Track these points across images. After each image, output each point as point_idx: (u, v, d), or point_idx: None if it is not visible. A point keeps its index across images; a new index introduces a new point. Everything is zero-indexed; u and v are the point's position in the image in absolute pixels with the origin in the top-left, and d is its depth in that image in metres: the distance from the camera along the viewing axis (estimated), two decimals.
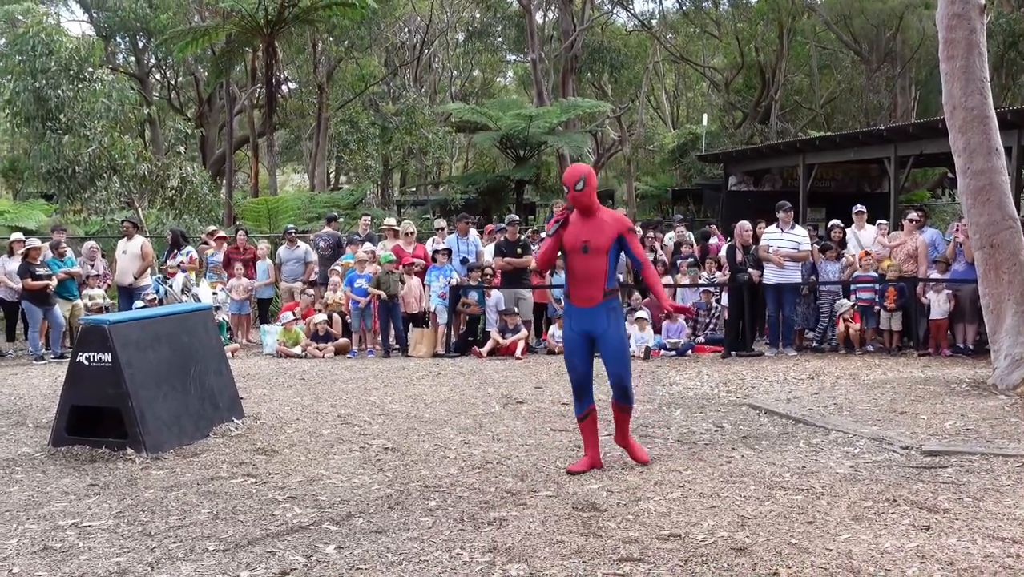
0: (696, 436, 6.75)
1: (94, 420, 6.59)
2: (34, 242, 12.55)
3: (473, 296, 12.53)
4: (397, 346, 12.43)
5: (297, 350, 12.22)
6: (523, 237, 13.24)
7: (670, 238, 14.47)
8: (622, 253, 5.74)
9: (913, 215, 12.08)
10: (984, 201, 8.52)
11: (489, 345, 12.01)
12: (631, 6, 37.28)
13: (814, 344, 11.91)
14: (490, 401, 8.40)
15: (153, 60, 36.58)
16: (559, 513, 4.81)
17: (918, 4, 29.65)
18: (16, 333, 13.64)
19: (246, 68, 28.07)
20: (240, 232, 15.04)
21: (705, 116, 33.41)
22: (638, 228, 13.33)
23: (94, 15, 34.21)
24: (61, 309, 12.35)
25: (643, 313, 11.90)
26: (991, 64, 10.03)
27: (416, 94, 31.33)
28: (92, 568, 4.15)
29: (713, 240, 14.91)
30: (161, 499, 5.28)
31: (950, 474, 5.44)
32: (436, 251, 12.98)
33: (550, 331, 12.47)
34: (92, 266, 13.48)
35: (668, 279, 13.11)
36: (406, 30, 35.17)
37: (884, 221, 12.82)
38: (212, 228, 15.86)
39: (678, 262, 13.46)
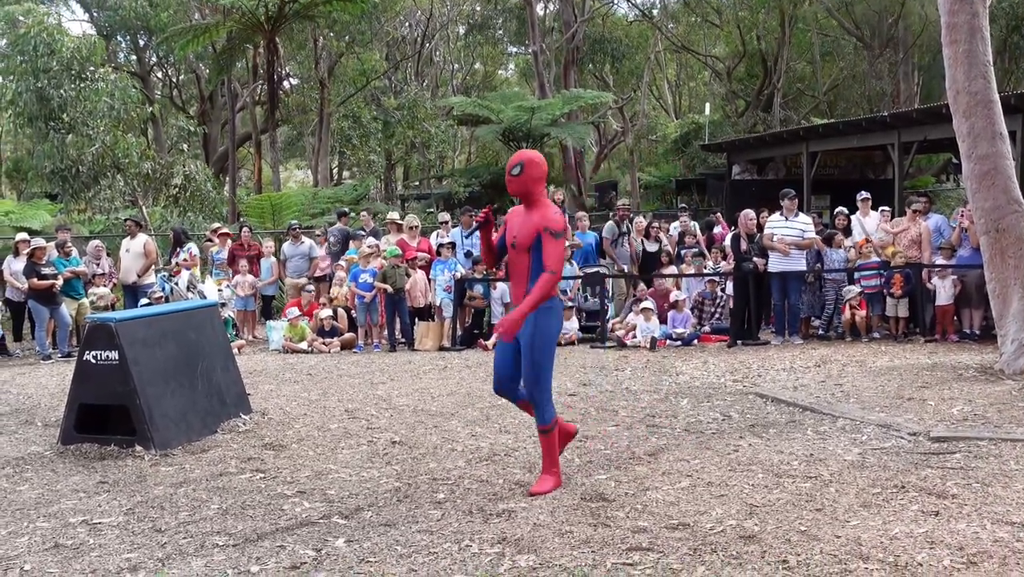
0: (703, 425, 6.75)
1: (102, 418, 6.62)
2: (39, 242, 12.57)
3: (478, 289, 12.54)
4: (403, 340, 12.45)
5: (303, 345, 12.24)
6: None
7: (675, 228, 14.46)
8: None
9: (917, 205, 12.03)
10: (989, 186, 8.50)
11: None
12: None
13: (820, 332, 11.90)
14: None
15: (154, 58, 36.59)
16: (567, 504, 4.82)
17: None
18: (23, 333, 13.68)
19: (247, 65, 28.06)
20: (244, 229, 15.09)
21: (707, 105, 33.34)
22: (577, 233, 13.30)
23: (95, 14, 34.19)
24: (67, 308, 12.39)
25: (649, 303, 11.90)
26: (994, 48, 10.00)
27: (418, 88, 31.29)
28: (103, 565, 4.16)
29: (718, 229, 14.90)
30: (170, 495, 5.29)
31: (958, 460, 5.43)
32: (441, 245, 12.99)
33: None
34: (97, 265, 13.51)
35: (673, 269, 13.12)
36: (407, 24, 35.10)
37: (887, 208, 12.79)
38: (216, 225, 15.91)
39: (682, 252, 13.45)
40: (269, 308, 14.31)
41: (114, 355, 6.39)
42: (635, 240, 13.43)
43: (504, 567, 3.94)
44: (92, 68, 17.83)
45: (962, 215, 11.24)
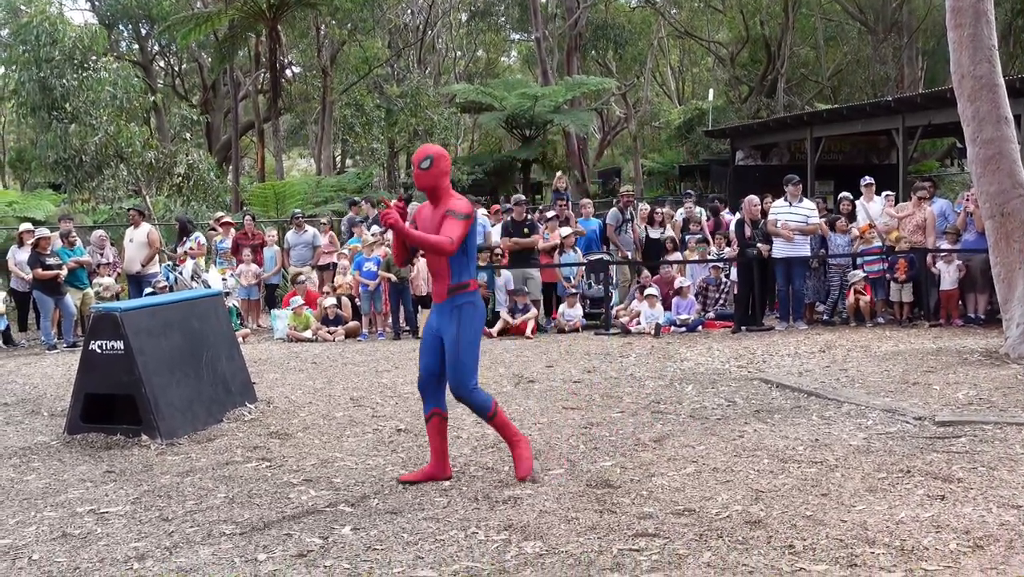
0: (708, 411, 6.76)
1: (108, 407, 6.64)
2: (43, 232, 12.59)
3: (482, 277, 12.53)
4: (407, 328, 12.45)
5: (308, 334, 12.25)
6: (530, 217, 13.23)
7: (680, 214, 14.43)
8: (466, 243, 4.98)
9: (922, 192, 11.97)
10: (994, 170, 8.48)
11: (499, 325, 12.03)
12: None
13: (824, 317, 11.89)
14: (501, 381, 8.41)
15: (156, 47, 36.50)
16: (573, 490, 4.82)
17: None
18: (28, 323, 13.70)
19: (250, 53, 27.96)
20: (248, 218, 15.08)
21: (711, 91, 33.16)
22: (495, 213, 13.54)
23: (96, 3, 34.12)
24: (72, 298, 12.42)
25: (653, 290, 11.89)
26: (999, 32, 9.96)
27: (420, 76, 31.17)
28: (111, 554, 4.18)
29: (727, 214, 14.83)
30: (177, 484, 5.31)
31: (964, 444, 5.43)
32: None
33: (560, 310, 12.48)
34: (102, 254, 13.54)
35: (677, 255, 13.10)
36: (409, 11, 34.95)
37: (891, 192, 12.75)
38: (220, 214, 15.92)
39: (687, 238, 13.43)
40: (273, 297, 14.33)
41: (119, 345, 6.40)
42: (639, 227, 13.41)
43: (510, 554, 3.95)
44: (94, 57, 17.77)
45: (967, 199, 11.20)
